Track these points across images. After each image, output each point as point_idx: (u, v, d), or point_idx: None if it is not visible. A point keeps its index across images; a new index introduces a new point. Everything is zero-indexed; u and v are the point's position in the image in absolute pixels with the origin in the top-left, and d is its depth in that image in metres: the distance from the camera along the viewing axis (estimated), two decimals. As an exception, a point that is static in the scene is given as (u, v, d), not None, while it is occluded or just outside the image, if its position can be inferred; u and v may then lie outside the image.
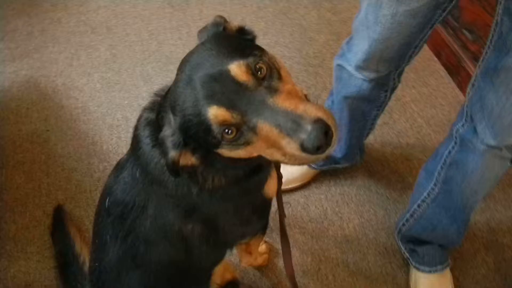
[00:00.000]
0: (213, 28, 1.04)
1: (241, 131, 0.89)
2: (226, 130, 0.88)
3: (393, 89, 1.78)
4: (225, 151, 0.96)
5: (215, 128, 0.88)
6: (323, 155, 0.86)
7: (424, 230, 1.78)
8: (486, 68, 1.31)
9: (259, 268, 1.96)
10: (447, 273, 1.86)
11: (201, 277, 1.46)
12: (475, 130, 1.41)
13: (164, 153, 0.99)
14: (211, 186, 1.12)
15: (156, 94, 1.14)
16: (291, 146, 0.84)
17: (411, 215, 1.79)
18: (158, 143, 1.01)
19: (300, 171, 2.17)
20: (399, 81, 1.76)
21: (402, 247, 1.92)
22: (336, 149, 1.99)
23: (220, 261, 1.48)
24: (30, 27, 3.25)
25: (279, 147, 0.87)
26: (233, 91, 0.86)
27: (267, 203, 1.40)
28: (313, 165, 2.15)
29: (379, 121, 2.36)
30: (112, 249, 1.24)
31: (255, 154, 0.97)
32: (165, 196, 1.15)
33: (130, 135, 1.20)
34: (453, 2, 1.35)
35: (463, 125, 1.49)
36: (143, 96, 2.65)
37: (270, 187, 1.31)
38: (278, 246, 1.94)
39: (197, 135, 0.93)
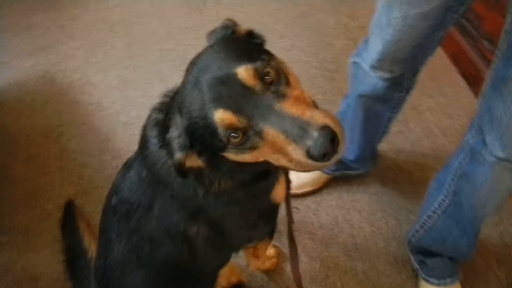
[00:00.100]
0: (222, 31, 1.03)
1: (247, 135, 0.88)
2: (232, 134, 0.87)
3: (408, 90, 1.77)
4: (231, 155, 0.95)
5: (221, 131, 0.87)
6: (329, 163, 0.84)
7: (434, 242, 1.76)
8: (494, 78, 1.29)
9: (267, 272, 1.94)
10: (457, 286, 1.83)
11: (206, 279, 1.45)
12: (484, 142, 1.39)
13: (171, 154, 0.99)
14: (217, 189, 1.11)
15: (165, 95, 1.14)
16: (297, 152, 0.83)
17: (421, 226, 1.76)
18: (165, 144, 1.01)
19: (312, 176, 2.15)
20: (414, 82, 1.75)
21: (412, 258, 1.89)
22: (348, 151, 1.98)
23: (226, 264, 1.47)
24: (49, 23, 3.28)
25: (285, 153, 0.86)
26: (240, 95, 0.85)
27: (274, 208, 1.39)
28: (325, 170, 2.13)
29: (394, 129, 2.34)
30: (117, 247, 1.23)
31: (261, 159, 0.96)
32: (171, 197, 1.14)
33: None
34: (465, 5, 1.34)
35: (473, 136, 1.46)
36: (158, 95, 2.63)
37: (278, 192, 1.29)
38: (287, 250, 1.92)
39: (203, 138, 0.92)
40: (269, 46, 1.05)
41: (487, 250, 1.99)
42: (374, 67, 1.62)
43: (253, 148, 0.90)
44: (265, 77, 0.87)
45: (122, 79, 2.83)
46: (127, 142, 2.45)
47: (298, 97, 0.89)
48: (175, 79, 1.00)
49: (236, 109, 0.85)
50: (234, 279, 1.60)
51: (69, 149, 2.44)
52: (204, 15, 3.24)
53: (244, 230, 1.35)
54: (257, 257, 1.77)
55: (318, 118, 0.82)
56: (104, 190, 2.21)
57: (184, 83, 0.96)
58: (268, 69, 0.88)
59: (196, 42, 2.97)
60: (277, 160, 0.91)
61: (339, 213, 2.14)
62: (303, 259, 1.97)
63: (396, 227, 2.08)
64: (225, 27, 1.04)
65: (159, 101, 1.15)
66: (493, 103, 1.30)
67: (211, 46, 0.98)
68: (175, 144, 0.96)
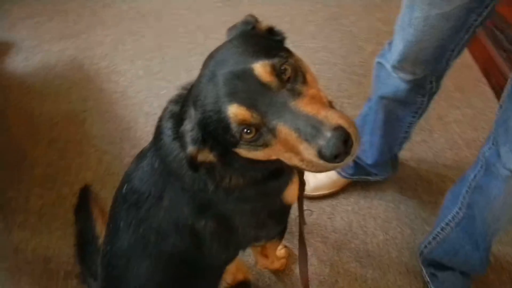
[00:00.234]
0: (242, 26, 1.03)
1: (260, 132, 0.87)
2: (245, 130, 0.86)
3: (431, 95, 1.73)
4: (243, 151, 0.94)
5: (234, 126, 0.86)
6: (341, 164, 0.83)
7: (446, 255, 1.72)
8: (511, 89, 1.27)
9: (276, 272, 1.93)
10: (468, 302, 1.79)
11: (211, 274, 1.44)
12: (498, 154, 1.36)
13: (183, 147, 0.98)
14: (228, 185, 1.11)
15: (183, 87, 1.14)
16: (308, 151, 0.82)
17: (434, 238, 1.73)
18: (179, 136, 1.01)
19: (330, 178, 2.13)
20: (437, 87, 1.71)
21: (423, 270, 1.86)
22: (367, 154, 1.95)
23: (232, 261, 1.46)
24: (81, 9, 3.32)
25: (297, 152, 0.85)
26: (255, 91, 0.85)
27: (286, 208, 1.38)
28: (343, 174, 2.11)
29: (418, 138, 2.31)
30: (124, 235, 1.23)
31: (273, 157, 0.95)
32: (181, 189, 1.14)
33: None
34: (488, 7, 1.31)
35: (489, 148, 1.43)
36: (182, 87, 2.66)
37: (291, 193, 1.28)
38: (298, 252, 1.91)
39: (216, 132, 0.92)
40: (298, 46, 1.04)
41: (502, 267, 1.94)
42: (395, 68, 1.60)
43: (266, 145, 0.89)
44: (282, 74, 0.86)
45: (149, 69, 2.85)
46: (148, 132, 2.45)
47: (314, 96, 0.88)
48: (202, 73, 1.00)
49: (250, 105, 0.84)
50: (240, 277, 1.59)
51: (90, 135, 2.46)
52: (237, 11, 3.23)
53: (252, 228, 1.34)
54: (266, 256, 1.76)
55: (333, 118, 0.81)
56: (120, 178, 2.23)
57: (200, 76, 0.96)
58: (285, 66, 0.87)
59: (226, 38, 2.96)
60: (289, 159, 0.90)
61: (354, 218, 2.11)
62: (314, 262, 1.95)
63: (411, 237, 2.04)
64: (245, 22, 1.04)
65: (176, 93, 1.15)
66: (509, 114, 1.28)
67: (230, 41, 0.98)
68: (188, 137, 0.96)
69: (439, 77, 1.66)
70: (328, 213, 2.13)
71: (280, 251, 1.92)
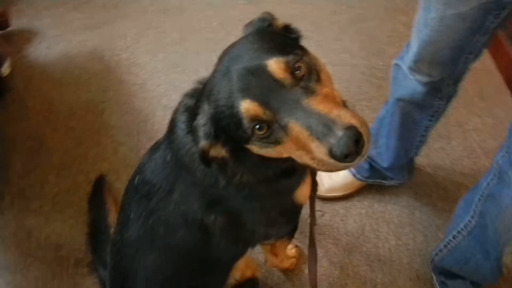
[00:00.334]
0: (258, 23, 1.04)
1: (272, 129, 0.87)
2: (257, 126, 0.86)
3: (449, 98, 1.71)
4: (255, 148, 0.94)
5: (246, 122, 0.86)
6: (352, 164, 0.82)
7: (456, 263, 1.70)
8: None
9: (285, 271, 1.93)
10: (479, 312, 1.77)
11: (219, 270, 1.44)
12: (511, 162, 1.34)
13: (196, 142, 0.99)
14: (239, 181, 1.11)
15: (199, 81, 1.14)
16: (319, 150, 0.81)
17: (445, 246, 1.71)
18: (192, 130, 1.01)
19: (345, 180, 2.12)
20: (455, 91, 1.69)
21: (434, 277, 1.84)
22: (383, 157, 1.93)
23: (240, 257, 1.46)
24: (106, 1, 3.34)
25: (308, 150, 0.84)
26: (269, 87, 0.84)
27: (297, 208, 1.37)
28: (358, 176, 2.09)
29: (436, 145, 2.29)
30: (134, 226, 1.24)
31: (285, 155, 0.94)
32: (192, 183, 1.14)
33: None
34: (506, 9, 1.28)
35: (502, 156, 1.42)
36: (200, 82, 2.66)
37: (302, 193, 1.28)
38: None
39: (228, 128, 0.92)
40: (321, 46, 1.03)
41: (515, 279, 1.92)
42: (412, 69, 1.58)
43: (277, 142, 0.89)
44: (296, 71, 0.86)
45: (169, 63, 2.86)
46: (165, 126, 2.44)
47: (327, 94, 0.87)
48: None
49: (263, 101, 0.84)
50: (248, 273, 1.58)
51: (108, 125, 2.48)
52: (260, 9, 3.18)
53: (262, 226, 1.34)
54: (275, 255, 1.75)
55: (345, 117, 0.80)
56: (136, 170, 2.26)
57: (215, 71, 0.96)
58: (299, 64, 0.87)
59: (242, 34, 2.97)
60: (300, 157, 0.90)
61: (367, 222, 2.10)
62: (324, 264, 1.94)
63: (423, 244, 2.01)
64: (262, 19, 1.04)
65: (192, 87, 1.16)
66: None
67: (245, 37, 0.99)
68: (201, 131, 0.96)
69: (456, 81, 1.64)
70: (341, 215, 2.12)
71: (291, 250, 1.92)
